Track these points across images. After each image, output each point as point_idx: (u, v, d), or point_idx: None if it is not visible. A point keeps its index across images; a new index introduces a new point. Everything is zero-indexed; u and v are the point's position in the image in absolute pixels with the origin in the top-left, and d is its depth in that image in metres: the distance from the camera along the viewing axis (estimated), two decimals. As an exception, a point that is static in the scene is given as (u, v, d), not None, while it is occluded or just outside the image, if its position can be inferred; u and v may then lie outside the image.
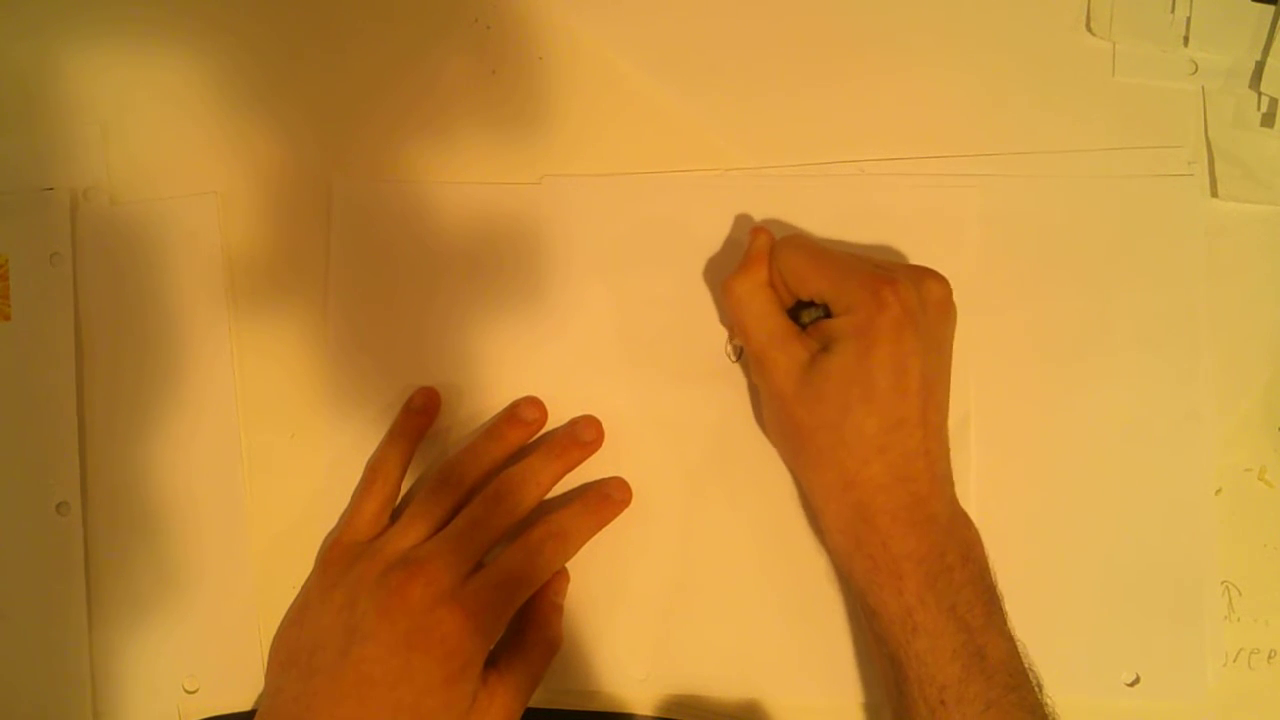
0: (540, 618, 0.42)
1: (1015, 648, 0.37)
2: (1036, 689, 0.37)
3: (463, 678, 0.38)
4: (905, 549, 0.37)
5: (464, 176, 0.45)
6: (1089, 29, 0.46)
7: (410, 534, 0.40)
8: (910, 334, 0.37)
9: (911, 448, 0.38)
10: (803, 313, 0.40)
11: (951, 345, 0.40)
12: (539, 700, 0.42)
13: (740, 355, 0.44)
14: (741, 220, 0.45)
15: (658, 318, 0.45)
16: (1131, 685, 0.42)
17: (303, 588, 0.42)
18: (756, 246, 0.41)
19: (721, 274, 0.44)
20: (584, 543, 0.42)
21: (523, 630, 0.41)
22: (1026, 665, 0.37)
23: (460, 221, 0.45)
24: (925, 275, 0.39)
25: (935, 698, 0.36)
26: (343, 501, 0.43)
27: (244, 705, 0.43)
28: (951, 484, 0.39)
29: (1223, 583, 0.43)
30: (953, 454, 0.39)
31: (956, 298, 0.39)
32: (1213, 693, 0.42)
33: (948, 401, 0.39)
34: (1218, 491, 0.44)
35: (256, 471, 0.44)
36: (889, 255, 0.44)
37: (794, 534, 0.43)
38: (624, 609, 0.43)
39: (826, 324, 0.39)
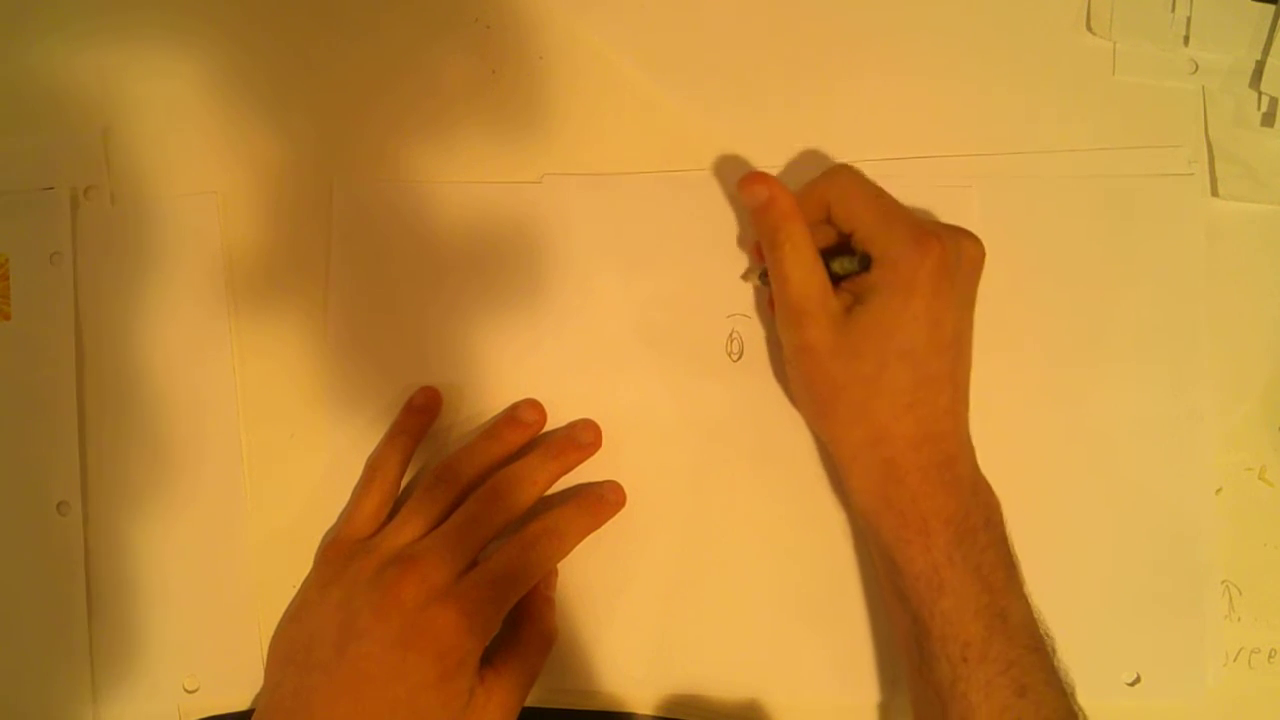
0: (534, 612, 0.42)
1: (1033, 612, 0.38)
2: (1052, 653, 0.38)
3: (458, 675, 0.38)
4: (934, 507, 0.37)
5: (464, 176, 0.45)
6: (1089, 29, 0.46)
7: (406, 531, 0.40)
8: (947, 289, 0.38)
9: (941, 405, 0.38)
10: (834, 262, 0.40)
11: (974, 306, 0.40)
12: (539, 699, 0.42)
13: (741, 355, 0.44)
14: (742, 220, 0.45)
15: (658, 317, 0.45)
16: (1131, 685, 0.42)
17: (302, 584, 0.42)
18: (810, 191, 0.40)
19: (722, 274, 0.44)
20: (578, 542, 0.42)
21: (517, 626, 0.41)
22: (1043, 630, 0.38)
23: (460, 221, 0.45)
24: (963, 234, 0.39)
25: (958, 655, 0.36)
26: (342, 500, 0.43)
27: (244, 704, 0.43)
28: (973, 448, 0.39)
29: (1223, 582, 0.43)
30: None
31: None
32: (1213, 692, 0.42)
33: (971, 363, 0.40)
34: (1218, 491, 0.44)
35: (256, 470, 0.44)
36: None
37: (794, 533, 0.43)
38: (623, 609, 0.43)
39: (863, 279, 0.39)
